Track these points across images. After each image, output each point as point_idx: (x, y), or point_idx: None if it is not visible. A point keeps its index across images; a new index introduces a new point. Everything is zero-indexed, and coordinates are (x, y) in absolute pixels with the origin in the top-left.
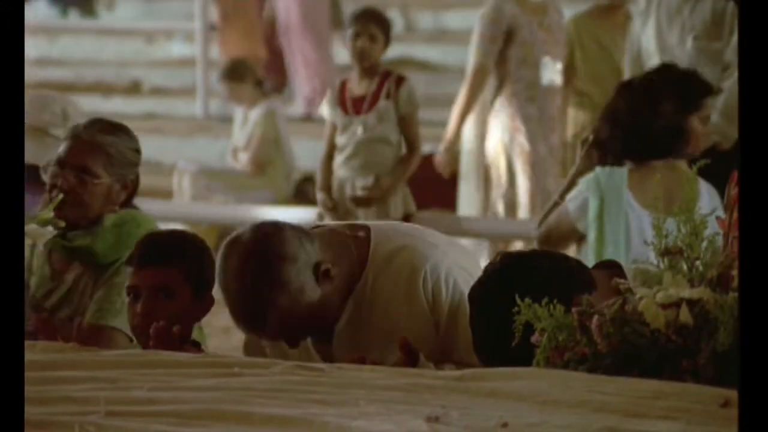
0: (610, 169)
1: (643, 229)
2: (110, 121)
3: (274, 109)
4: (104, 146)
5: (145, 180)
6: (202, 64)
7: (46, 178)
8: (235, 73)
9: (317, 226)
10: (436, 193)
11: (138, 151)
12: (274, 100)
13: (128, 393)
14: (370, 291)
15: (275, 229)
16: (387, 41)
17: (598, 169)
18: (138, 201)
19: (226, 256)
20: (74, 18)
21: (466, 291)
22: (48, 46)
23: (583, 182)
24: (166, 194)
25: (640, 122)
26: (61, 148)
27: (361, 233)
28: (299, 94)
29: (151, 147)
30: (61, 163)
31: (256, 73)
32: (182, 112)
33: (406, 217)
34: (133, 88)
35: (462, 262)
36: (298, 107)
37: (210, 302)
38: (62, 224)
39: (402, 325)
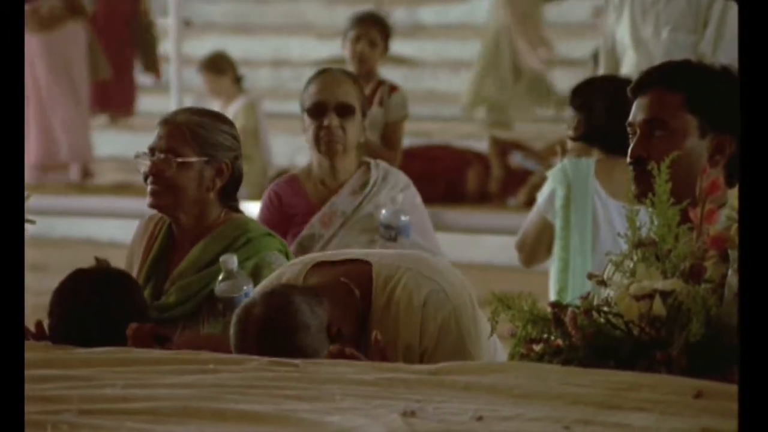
0: (576, 159)
1: (611, 219)
2: (201, 107)
3: (254, 102)
4: (190, 125)
5: (122, 176)
6: (176, 60)
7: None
8: (216, 65)
9: (319, 264)
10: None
11: (234, 137)
12: (253, 94)
13: (101, 391)
14: (377, 327)
15: (285, 301)
16: (385, 48)
17: (565, 160)
18: (116, 198)
19: (240, 332)
20: None
21: (453, 326)
22: None
23: (551, 174)
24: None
25: (612, 116)
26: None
27: (364, 280)
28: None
29: (125, 144)
30: (151, 150)
31: (236, 68)
32: (156, 109)
33: None
34: None
35: (453, 296)
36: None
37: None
38: (33, 222)
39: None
